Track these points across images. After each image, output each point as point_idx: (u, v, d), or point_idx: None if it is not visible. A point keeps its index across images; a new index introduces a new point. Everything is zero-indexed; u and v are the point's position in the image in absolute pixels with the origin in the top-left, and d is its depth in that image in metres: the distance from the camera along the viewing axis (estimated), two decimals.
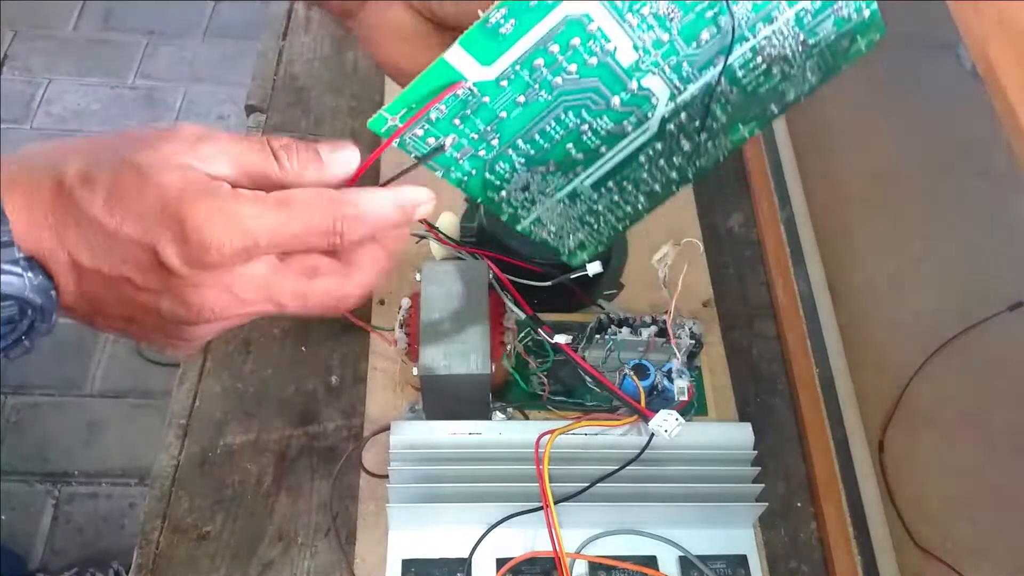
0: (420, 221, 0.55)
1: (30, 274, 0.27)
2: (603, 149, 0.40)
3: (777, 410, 0.58)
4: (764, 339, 0.62)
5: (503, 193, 0.40)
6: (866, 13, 0.40)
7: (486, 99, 0.34)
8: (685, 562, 0.46)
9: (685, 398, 0.49)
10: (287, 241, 0.30)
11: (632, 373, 0.49)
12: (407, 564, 0.46)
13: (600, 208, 0.44)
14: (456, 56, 0.32)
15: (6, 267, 0.27)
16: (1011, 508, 0.53)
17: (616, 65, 0.36)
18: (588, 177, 0.41)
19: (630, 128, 0.39)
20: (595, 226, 0.45)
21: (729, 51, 0.37)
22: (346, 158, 0.32)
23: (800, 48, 0.39)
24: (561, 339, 0.47)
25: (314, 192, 0.31)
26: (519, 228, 0.43)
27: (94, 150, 0.29)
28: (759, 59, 0.39)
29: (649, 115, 0.39)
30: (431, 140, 0.35)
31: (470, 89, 0.33)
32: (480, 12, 0.31)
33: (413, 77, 0.32)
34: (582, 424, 0.46)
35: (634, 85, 0.37)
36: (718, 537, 0.48)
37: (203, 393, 0.55)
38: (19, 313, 0.28)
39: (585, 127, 0.38)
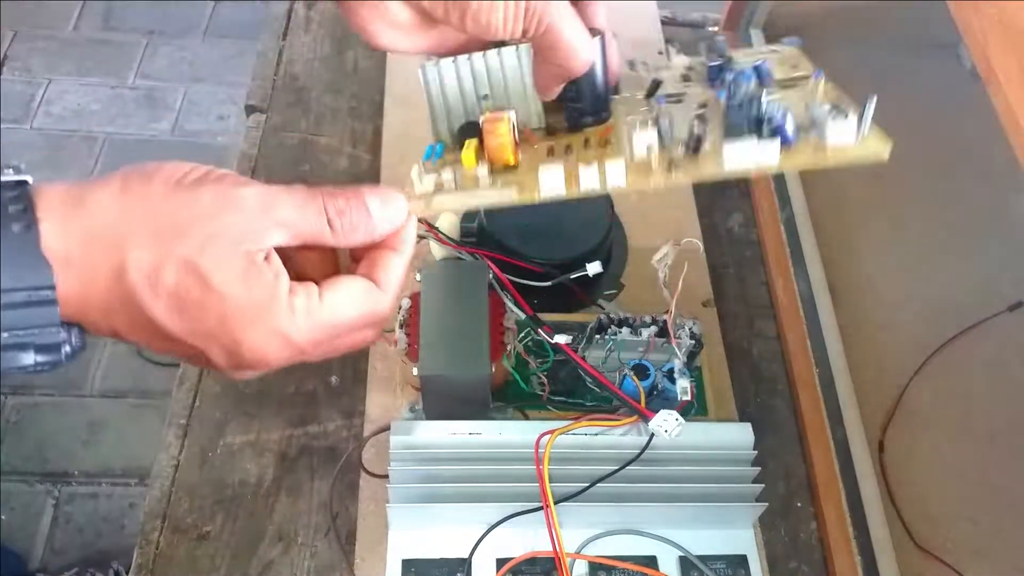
0: (420, 221, 0.55)
1: (67, 347, 0.28)
2: None
3: (777, 410, 0.58)
4: (764, 339, 0.62)
5: None
6: None
7: None
8: (685, 562, 0.47)
9: (686, 398, 0.49)
10: (330, 352, 0.33)
11: (632, 373, 0.49)
12: (407, 564, 0.46)
13: None
14: None
15: (40, 359, 0.27)
16: (1011, 508, 0.53)
17: None
18: None
19: None
20: None
21: None
22: (395, 213, 0.34)
23: None
24: (561, 339, 0.48)
25: (355, 299, 0.33)
26: None
27: (160, 233, 0.28)
28: None
29: None
30: None
31: None
32: None
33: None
34: (582, 424, 0.46)
35: None
36: (718, 537, 0.48)
37: (203, 393, 0.55)
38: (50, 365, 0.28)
39: None
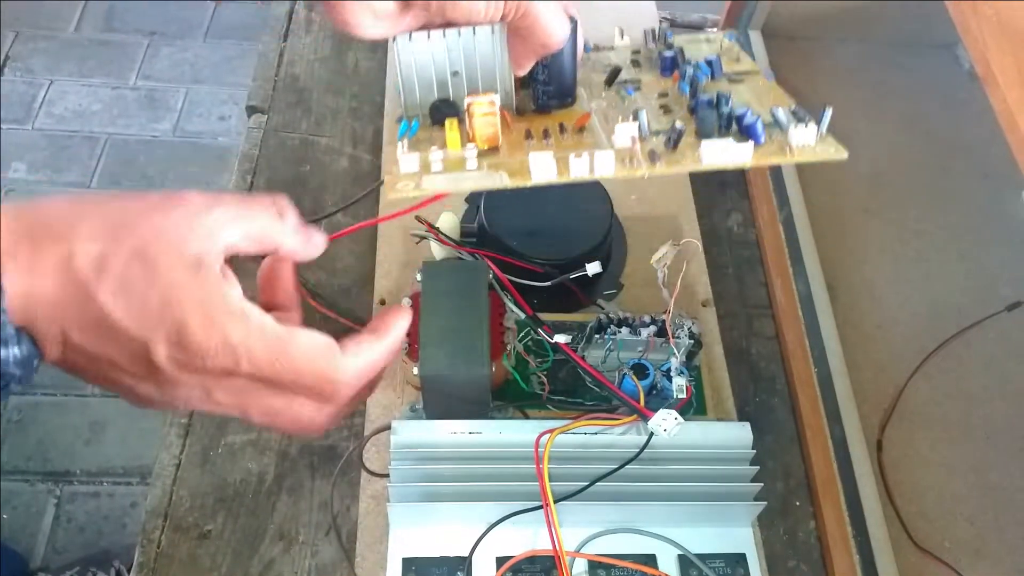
0: (420, 221, 0.55)
1: (15, 349, 0.27)
2: None
3: (776, 410, 0.59)
4: (763, 339, 0.62)
5: None
6: None
7: None
8: (684, 560, 0.47)
9: (684, 397, 0.49)
10: (272, 379, 0.30)
11: (631, 373, 0.49)
12: (407, 563, 0.46)
13: None
14: None
15: None
16: (1009, 507, 0.54)
17: None
18: None
19: None
20: None
21: None
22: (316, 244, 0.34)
23: None
24: (561, 339, 0.48)
25: (314, 347, 0.31)
26: None
27: (109, 225, 0.28)
28: None
29: None
30: None
31: None
32: None
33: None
34: (581, 423, 0.46)
35: None
36: (717, 536, 0.48)
37: None
38: None
39: None
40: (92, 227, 0.28)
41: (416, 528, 0.47)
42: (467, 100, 0.38)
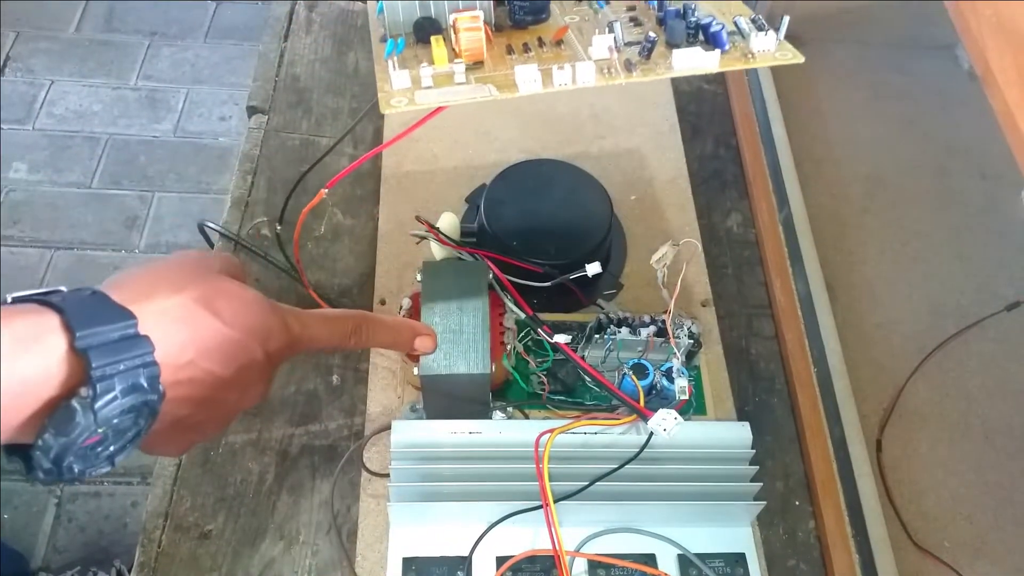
0: (421, 221, 0.55)
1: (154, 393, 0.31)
2: None
3: (775, 409, 0.59)
4: (762, 339, 0.62)
5: None
6: None
7: None
8: (684, 560, 0.47)
9: (684, 397, 0.49)
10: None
11: (631, 373, 0.49)
12: (408, 562, 0.46)
13: None
14: None
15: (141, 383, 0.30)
16: (1008, 506, 0.54)
17: None
18: None
19: None
20: None
21: None
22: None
23: None
24: (561, 338, 0.48)
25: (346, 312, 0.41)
26: None
27: (187, 279, 0.34)
28: None
29: None
30: None
31: None
32: None
33: None
34: (581, 423, 0.46)
35: None
36: (717, 535, 0.48)
37: None
38: (133, 425, 0.31)
39: None
40: (180, 282, 0.34)
41: (416, 527, 0.47)
42: (452, 16, 0.40)
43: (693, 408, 0.55)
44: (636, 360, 0.51)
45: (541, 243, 0.56)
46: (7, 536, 1.16)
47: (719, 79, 0.78)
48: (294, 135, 0.70)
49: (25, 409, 0.28)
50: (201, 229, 0.62)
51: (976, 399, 0.59)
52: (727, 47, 0.40)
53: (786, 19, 0.40)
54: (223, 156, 1.64)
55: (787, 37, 0.41)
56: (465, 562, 0.46)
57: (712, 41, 0.40)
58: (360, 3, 0.81)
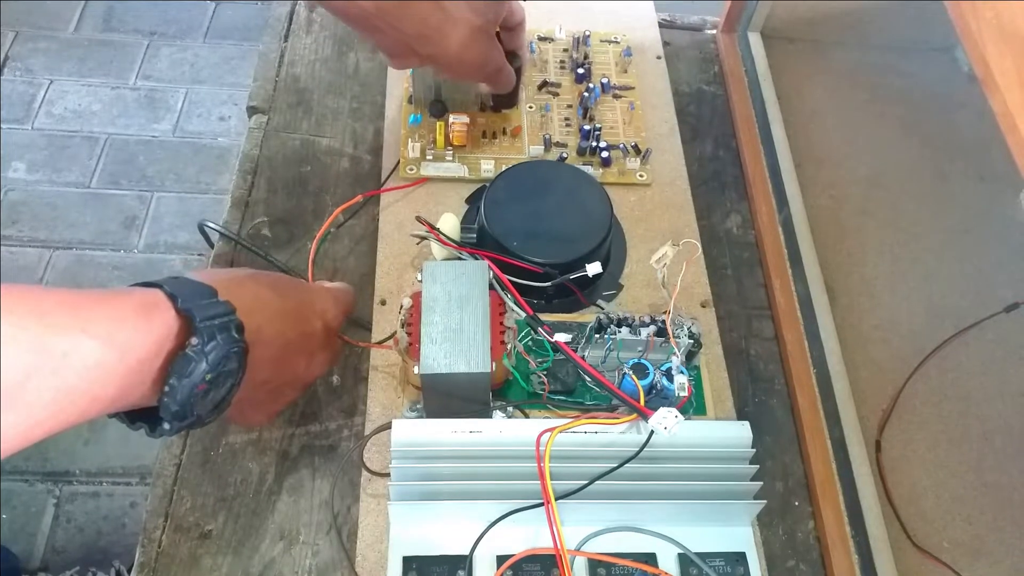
0: (421, 222, 0.55)
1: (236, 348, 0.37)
2: None
3: (775, 410, 0.59)
4: (762, 340, 0.62)
5: None
6: None
7: None
8: (684, 559, 0.47)
9: (684, 394, 0.49)
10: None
11: (631, 372, 0.49)
12: (408, 561, 0.46)
13: None
14: None
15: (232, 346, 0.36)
16: (1007, 507, 0.54)
17: None
18: None
19: None
20: None
21: None
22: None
23: None
24: (561, 338, 0.48)
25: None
26: None
27: (240, 271, 0.45)
28: None
29: None
30: None
31: None
32: None
33: None
34: (582, 422, 0.46)
35: None
36: (717, 534, 0.48)
37: None
38: (230, 375, 0.37)
39: None
40: (240, 274, 0.44)
41: (417, 527, 0.47)
42: (451, 118, 0.65)
43: (693, 408, 0.55)
44: (636, 360, 0.51)
45: (541, 243, 0.56)
46: (6, 537, 1.16)
47: (719, 79, 0.78)
48: (294, 135, 0.70)
49: (159, 359, 0.34)
50: (201, 229, 0.63)
51: (975, 400, 0.59)
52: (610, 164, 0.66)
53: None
54: (222, 156, 1.64)
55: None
56: (466, 561, 0.46)
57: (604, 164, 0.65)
58: None
